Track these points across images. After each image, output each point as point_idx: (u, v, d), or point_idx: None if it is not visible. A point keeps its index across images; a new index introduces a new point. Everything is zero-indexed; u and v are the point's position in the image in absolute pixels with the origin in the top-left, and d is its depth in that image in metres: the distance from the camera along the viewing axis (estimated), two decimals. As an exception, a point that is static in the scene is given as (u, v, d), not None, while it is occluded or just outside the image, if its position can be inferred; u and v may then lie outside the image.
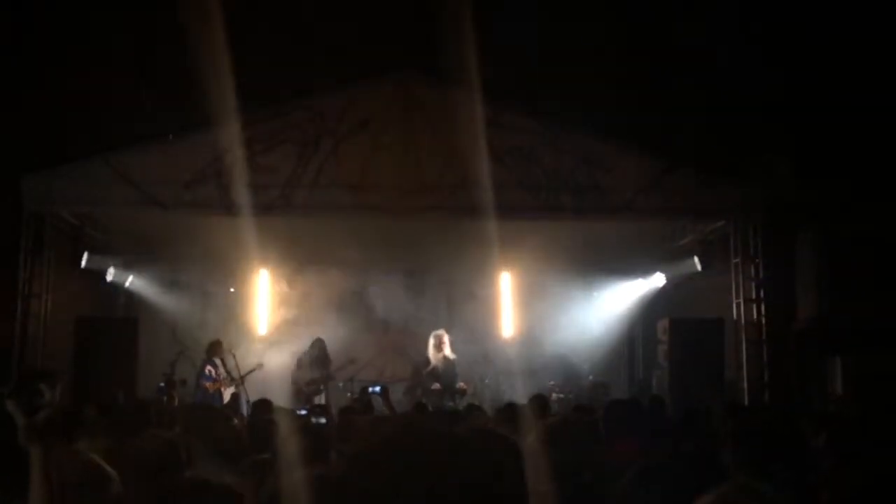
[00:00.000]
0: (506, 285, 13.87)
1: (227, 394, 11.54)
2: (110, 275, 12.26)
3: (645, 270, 13.06)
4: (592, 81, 10.40)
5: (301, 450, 4.45)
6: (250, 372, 11.87)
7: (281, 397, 11.91)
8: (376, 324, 13.90)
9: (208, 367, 11.61)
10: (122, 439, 4.11)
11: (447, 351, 11.78)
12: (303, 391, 12.05)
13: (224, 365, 11.67)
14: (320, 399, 12.04)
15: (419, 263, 13.09)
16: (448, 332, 12.12)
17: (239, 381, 11.52)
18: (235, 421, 5.24)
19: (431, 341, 11.84)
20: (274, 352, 13.12)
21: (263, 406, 7.39)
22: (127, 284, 12.72)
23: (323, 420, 9.37)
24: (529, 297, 14.00)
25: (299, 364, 12.43)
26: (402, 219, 10.68)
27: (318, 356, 12.42)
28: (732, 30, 10.35)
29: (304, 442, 4.57)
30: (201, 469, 3.79)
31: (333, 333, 13.38)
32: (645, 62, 10.52)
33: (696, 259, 11.49)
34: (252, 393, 11.50)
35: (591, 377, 13.25)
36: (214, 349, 11.76)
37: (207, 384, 11.47)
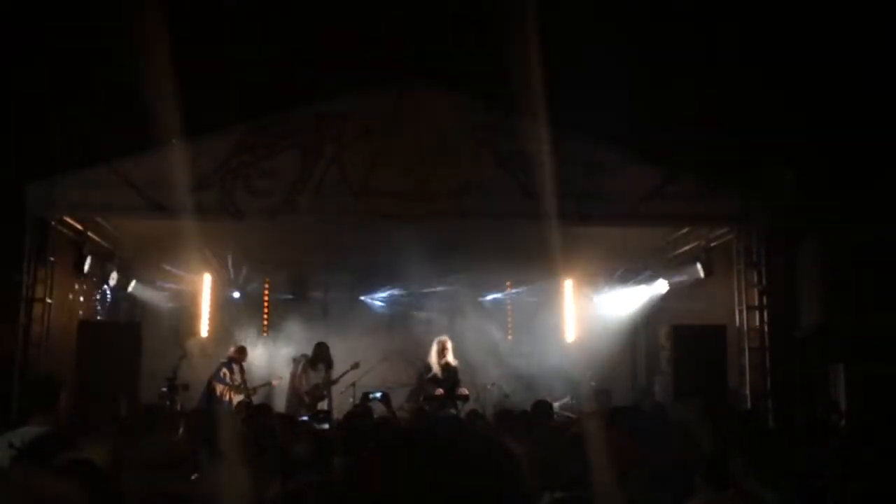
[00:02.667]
0: (508, 291, 13.89)
1: (236, 400, 11.54)
2: (113, 279, 12.27)
3: (648, 277, 13.06)
4: (596, 88, 10.43)
5: (304, 455, 4.47)
6: (262, 386, 11.98)
7: (283, 403, 11.97)
8: (379, 329, 13.92)
9: (224, 370, 11.60)
10: (127, 443, 4.11)
11: (449, 357, 11.76)
12: (305, 397, 12.03)
13: (242, 373, 11.69)
14: (324, 405, 12.02)
15: (424, 269, 13.07)
16: (450, 338, 12.11)
17: (251, 392, 11.56)
18: (239, 426, 5.25)
19: (434, 347, 11.82)
20: (277, 356, 13.16)
21: (262, 411, 7.37)
22: (130, 289, 12.73)
23: (326, 426, 9.40)
24: (531, 303, 14.02)
25: (303, 369, 12.41)
26: (404, 225, 10.69)
27: (320, 360, 12.39)
28: (737, 40, 10.39)
29: (308, 448, 4.58)
30: (206, 472, 3.80)
31: (336, 339, 13.40)
32: (649, 70, 10.55)
33: (698, 266, 11.48)
34: (259, 399, 11.56)
35: (593, 383, 13.23)
36: (239, 355, 11.79)
37: (217, 385, 11.45)
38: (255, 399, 11.66)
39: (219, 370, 11.60)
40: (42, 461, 3.49)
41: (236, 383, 11.58)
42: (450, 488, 1.67)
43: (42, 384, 5.55)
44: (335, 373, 12.29)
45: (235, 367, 11.67)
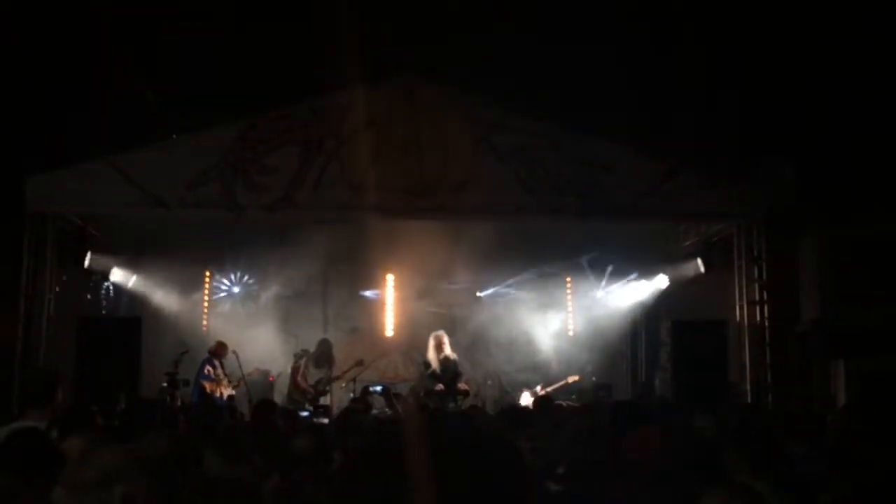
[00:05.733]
0: (507, 285, 13.91)
1: (225, 394, 11.58)
2: (113, 275, 12.27)
3: (648, 272, 13.06)
4: (597, 84, 10.41)
5: (304, 450, 4.47)
6: (258, 372, 12.01)
7: (281, 397, 11.99)
8: (379, 325, 13.93)
9: (208, 367, 11.65)
10: (129, 439, 4.11)
11: (448, 351, 11.76)
12: (308, 391, 12.07)
13: (222, 367, 11.72)
14: (326, 400, 12.06)
15: (420, 265, 13.08)
16: (448, 333, 12.11)
17: (242, 380, 11.59)
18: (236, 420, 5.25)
19: (431, 342, 11.82)
20: (276, 351, 13.18)
21: (267, 407, 7.39)
22: (130, 284, 12.73)
23: (325, 420, 9.41)
24: (532, 298, 14.03)
25: (305, 364, 12.45)
26: (404, 220, 10.70)
27: (323, 356, 12.43)
28: (737, 34, 10.36)
29: (307, 442, 4.59)
30: (207, 468, 3.80)
31: (335, 335, 13.41)
32: (650, 65, 10.52)
33: (699, 261, 11.48)
34: (254, 393, 11.56)
35: (594, 378, 13.25)
36: (218, 350, 11.81)
37: (205, 383, 11.50)
38: (252, 391, 11.70)
39: (202, 368, 11.61)
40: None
41: (221, 378, 11.62)
42: (453, 485, 1.67)
43: (38, 379, 5.55)
44: (338, 369, 12.32)
45: (217, 363, 11.71)
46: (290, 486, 3.68)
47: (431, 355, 11.74)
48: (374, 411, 9.86)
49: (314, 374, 12.28)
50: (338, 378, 12.26)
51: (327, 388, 12.21)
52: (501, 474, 1.75)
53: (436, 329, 12.11)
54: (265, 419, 6.72)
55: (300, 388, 12.13)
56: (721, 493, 3.01)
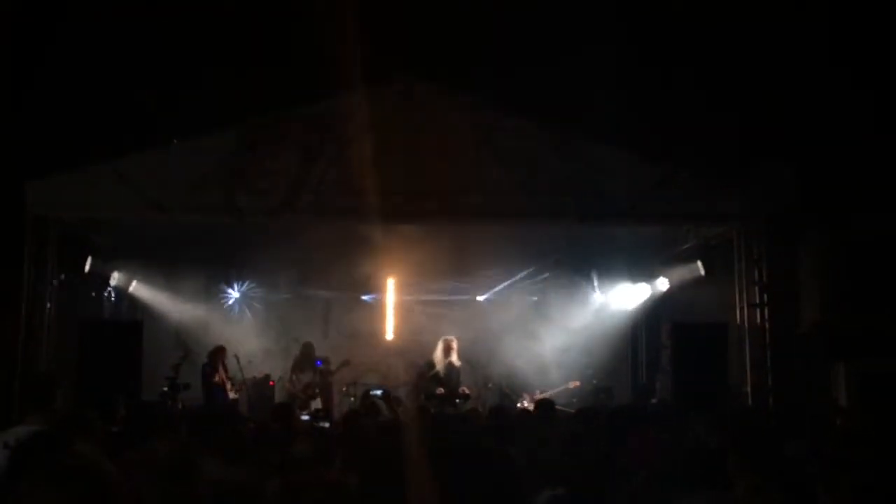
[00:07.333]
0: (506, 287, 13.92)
1: (231, 394, 11.63)
2: (114, 279, 12.28)
3: (649, 274, 13.07)
4: (596, 86, 10.42)
5: (304, 454, 4.47)
6: (259, 378, 12.01)
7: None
8: (379, 329, 13.94)
9: (208, 371, 11.67)
10: (131, 444, 4.11)
11: (454, 357, 11.77)
12: (299, 396, 12.09)
13: (225, 370, 11.73)
14: (316, 403, 12.08)
15: (421, 269, 13.09)
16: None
17: (243, 383, 11.61)
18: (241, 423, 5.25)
19: (440, 345, 11.83)
20: (277, 356, 13.19)
21: (286, 410, 7.39)
22: (131, 288, 12.74)
23: (326, 424, 9.43)
24: (532, 301, 14.04)
25: (292, 370, 12.50)
26: (405, 224, 10.70)
27: (306, 360, 12.46)
28: (736, 36, 10.38)
29: (308, 446, 4.59)
30: (209, 470, 3.80)
31: (334, 337, 13.43)
32: (649, 67, 10.54)
33: (699, 263, 11.48)
34: (255, 397, 11.58)
35: (594, 381, 13.26)
36: (217, 355, 11.82)
37: (214, 379, 11.55)
38: (253, 395, 11.73)
39: (204, 374, 11.63)
40: (34, 462, 3.48)
41: (225, 382, 11.65)
42: (451, 487, 1.68)
43: (38, 383, 5.55)
44: (327, 371, 12.38)
45: (220, 367, 11.73)
46: (289, 490, 3.69)
47: (438, 357, 11.75)
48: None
49: (303, 379, 12.33)
50: (328, 381, 12.30)
51: (316, 391, 12.24)
52: (497, 478, 1.76)
53: (437, 333, 12.14)
54: (282, 422, 6.73)
55: (291, 392, 12.19)
56: (721, 495, 3.02)
